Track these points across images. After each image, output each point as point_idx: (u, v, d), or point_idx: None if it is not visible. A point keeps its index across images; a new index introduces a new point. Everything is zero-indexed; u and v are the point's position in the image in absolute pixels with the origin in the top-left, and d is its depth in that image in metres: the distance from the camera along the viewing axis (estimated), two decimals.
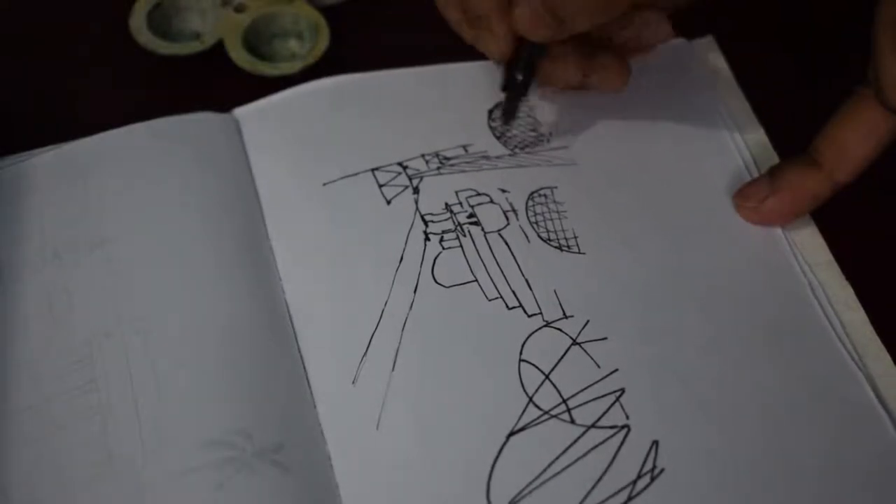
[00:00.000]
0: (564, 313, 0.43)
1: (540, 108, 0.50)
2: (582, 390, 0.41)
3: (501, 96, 0.49)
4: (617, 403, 0.41)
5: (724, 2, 0.55)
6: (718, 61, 0.52)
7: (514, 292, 0.43)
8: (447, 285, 0.43)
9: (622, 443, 0.40)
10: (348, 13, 0.54)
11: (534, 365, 0.41)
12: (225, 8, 0.53)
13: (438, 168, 0.47)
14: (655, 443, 0.40)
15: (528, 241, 0.45)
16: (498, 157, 0.48)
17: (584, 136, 0.49)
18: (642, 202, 0.47)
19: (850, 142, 0.43)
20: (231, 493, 0.38)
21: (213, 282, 0.43)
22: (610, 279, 0.44)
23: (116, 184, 0.46)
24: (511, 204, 0.46)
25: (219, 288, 0.43)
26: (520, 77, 0.44)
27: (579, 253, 0.45)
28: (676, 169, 0.48)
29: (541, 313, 0.43)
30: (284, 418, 0.40)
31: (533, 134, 0.49)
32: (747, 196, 0.46)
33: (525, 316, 0.43)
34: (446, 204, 0.46)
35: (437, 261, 0.44)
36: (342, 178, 0.47)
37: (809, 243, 0.46)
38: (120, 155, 0.47)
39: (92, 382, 0.40)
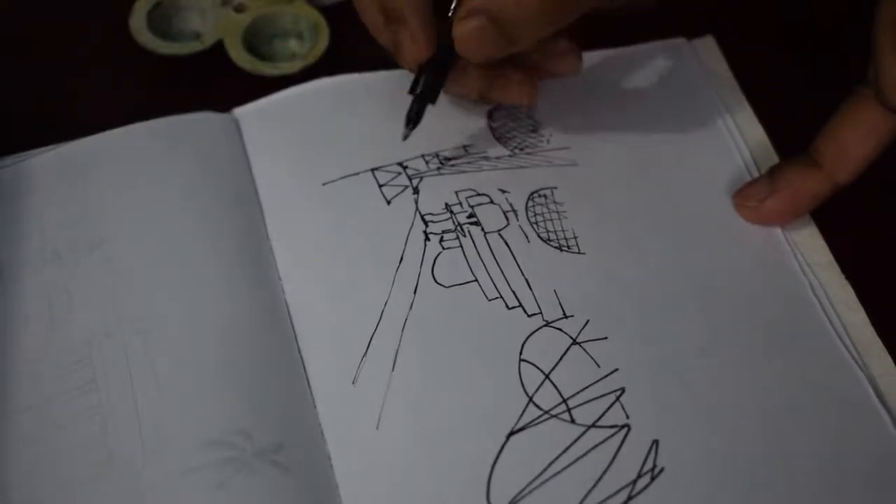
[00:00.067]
0: (564, 313, 0.43)
1: (540, 109, 0.50)
2: (582, 390, 0.41)
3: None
4: (617, 403, 0.41)
5: (724, 2, 0.55)
6: (718, 61, 0.52)
7: (514, 292, 0.43)
8: (447, 285, 0.43)
9: (622, 442, 0.40)
10: (348, 13, 0.54)
11: (534, 365, 0.41)
12: (225, 8, 0.53)
13: (438, 168, 0.47)
14: (655, 442, 0.40)
15: (528, 242, 0.45)
16: (498, 158, 0.48)
17: (584, 136, 0.49)
18: (642, 202, 0.47)
19: (850, 142, 0.43)
20: (231, 493, 0.38)
21: (213, 282, 0.43)
22: (610, 279, 0.44)
23: (116, 184, 0.46)
24: (511, 204, 0.46)
25: (219, 288, 0.43)
26: (429, 83, 0.43)
27: (579, 253, 0.45)
28: (676, 169, 0.48)
29: (541, 313, 0.43)
30: (284, 418, 0.40)
31: (533, 135, 0.49)
32: (747, 196, 0.46)
33: (525, 316, 0.43)
34: (446, 204, 0.46)
35: (437, 261, 0.44)
36: (342, 177, 0.47)
37: (810, 244, 0.46)
38: (120, 155, 0.47)
39: (92, 382, 0.40)
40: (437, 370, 0.41)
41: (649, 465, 0.39)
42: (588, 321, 0.43)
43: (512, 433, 0.40)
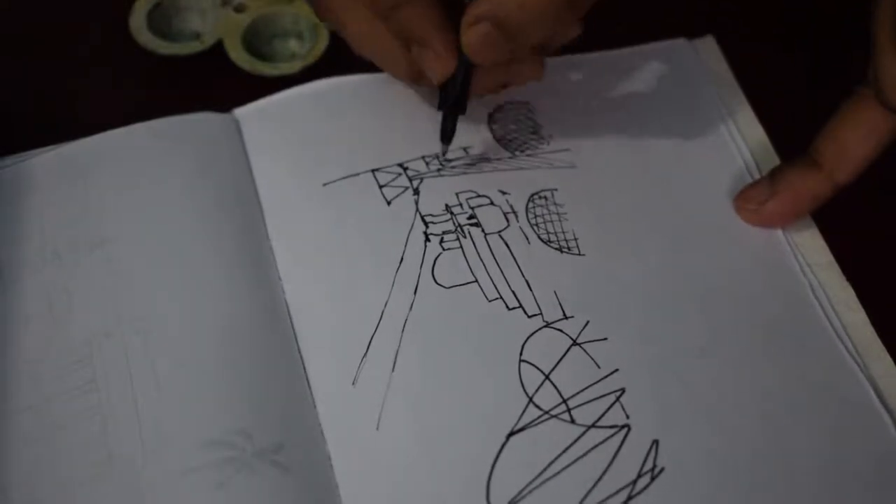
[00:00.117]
0: (564, 314, 0.43)
1: (541, 111, 0.50)
2: (582, 390, 0.41)
3: (502, 98, 0.49)
4: (617, 403, 0.41)
5: (724, 2, 0.55)
6: (719, 61, 0.52)
7: (514, 293, 0.43)
8: (447, 286, 0.43)
9: (622, 442, 0.40)
10: None
11: (534, 365, 0.41)
12: (225, 8, 0.53)
13: (439, 170, 0.47)
14: (656, 442, 0.40)
15: (529, 243, 0.45)
16: (498, 160, 0.48)
17: (584, 138, 0.49)
18: (643, 203, 0.47)
19: (850, 142, 0.43)
20: (231, 493, 0.38)
21: (213, 282, 0.43)
22: (610, 280, 0.44)
23: (117, 184, 0.46)
24: (511, 206, 0.46)
25: (219, 288, 0.43)
26: (456, 94, 0.44)
27: (579, 254, 0.45)
28: (677, 170, 0.48)
29: (541, 314, 0.43)
30: (284, 418, 0.40)
31: (533, 137, 0.49)
32: (748, 198, 0.46)
33: (525, 316, 0.43)
34: (446, 205, 0.46)
35: (438, 261, 0.44)
36: (342, 178, 0.47)
37: (810, 244, 0.46)
38: (120, 155, 0.47)
39: (92, 382, 0.40)
40: (437, 370, 0.41)
41: (649, 465, 0.39)
42: (588, 322, 0.43)
43: (512, 433, 0.40)
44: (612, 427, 0.40)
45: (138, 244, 0.44)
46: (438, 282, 0.43)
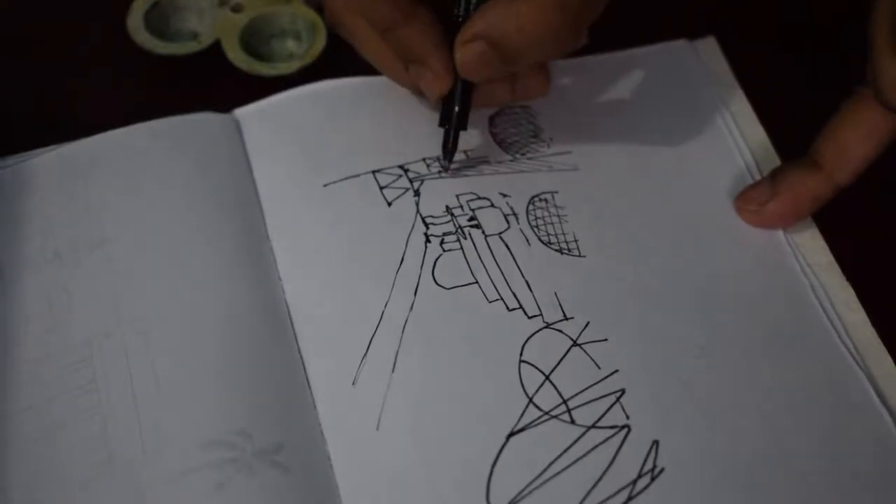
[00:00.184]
0: (565, 315, 0.43)
1: (541, 114, 0.50)
2: (582, 391, 0.41)
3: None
4: (617, 404, 0.41)
5: (724, 2, 0.55)
6: (720, 62, 0.52)
7: (514, 294, 0.43)
8: (448, 287, 0.43)
9: (622, 443, 0.40)
10: None
11: (534, 366, 0.41)
12: (222, 8, 0.53)
13: (440, 172, 0.47)
14: (656, 443, 0.40)
15: (529, 244, 0.45)
16: (499, 163, 0.48)
17: (585, 140, 0.49)
18: (643, 204, 0.47)
19: (851, 142, 0.43)
20: (231, 494, 0.38)
21: (213, 282, 0.43)
22: (611, 281, 0.44)
23: (117, 184, 0.46)
24: (512, 208, 0.46)
25: (219, 288, 0.43)
26: (457, 110, 0.45)
27: (580, 256, 0.45)
28: (678, 171, 0.48)
29: (541, 315, 0.43)
30: (284, 419, 0.40)
31: (534, 140, 0.49)
32: (749, 199, 0.46)
33: (525, 317, 0.43)
34: (447, 207, 0.46)
35: (438, 263, 0.44)
36: (343, 179, 0.47)
37: (810, 245, 0.46)
38: (120, 155, 0.47)
39: (92, 382, 0.40)
40: (437, 371, 0.41)
41: (649, 465, 0.39)
42: (588, 323, 0.43)
43: (512, 434, 0.40)
44: (612, 427, 0.40)
45: (138, 244, 0.44)
46: (439, 283, 0.44)
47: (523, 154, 0.48)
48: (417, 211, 0.46)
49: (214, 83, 0.52)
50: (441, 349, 0.42)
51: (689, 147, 0.49)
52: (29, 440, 0.39)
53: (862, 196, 0.44)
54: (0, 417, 0.40)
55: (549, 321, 0.43)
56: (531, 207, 0.46)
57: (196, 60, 0.52)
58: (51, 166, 0.47)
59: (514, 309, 0.43)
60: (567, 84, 0.51)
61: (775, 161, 0.48)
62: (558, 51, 0.43)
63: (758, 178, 0.48)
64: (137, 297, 0.43)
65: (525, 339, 0.42)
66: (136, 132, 0.47)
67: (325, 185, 0.47)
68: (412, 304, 0.43)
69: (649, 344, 0.42)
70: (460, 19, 0.43)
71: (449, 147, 0.46)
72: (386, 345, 0.42)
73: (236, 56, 0.51)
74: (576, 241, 0.45)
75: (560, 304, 0.43)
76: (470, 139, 0.48)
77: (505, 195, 0.47)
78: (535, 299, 0.43)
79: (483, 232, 0.45)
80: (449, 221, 0.46)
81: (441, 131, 0.46)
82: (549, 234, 0.45)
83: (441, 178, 0.47)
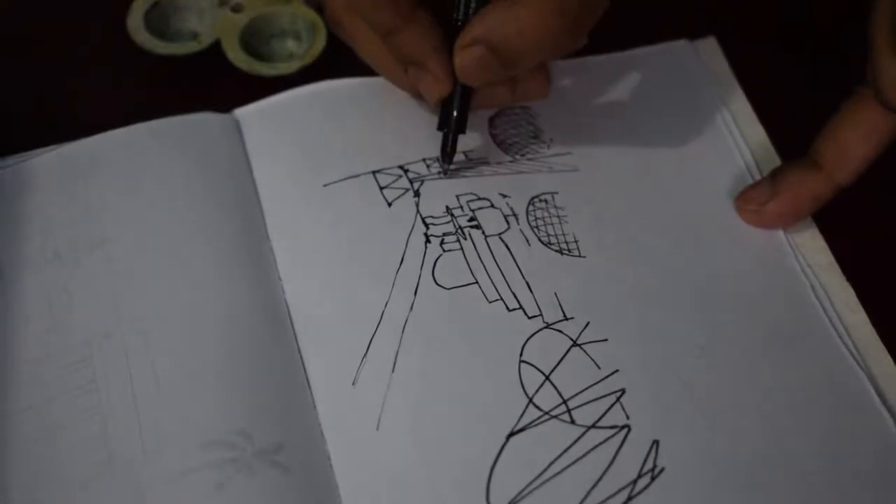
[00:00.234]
0: (565, 315, 0.43)
1: (541, 115, 0.50)
2: (582, 391, 0.41)
3: None
4: (617, 404, 0.41)
5: (724, 2, 0.55)
6: (720, 62, 0.52)
7: (514, 294, 0.43)
8: (448, 287, 0.43)
9: (622, 442, 0.40)
10: None
11: (534, 366, 0.41)
12: (222, 8, 0.53)
13: (440, 172, 0.47)
14: (656, 442, 0.40)
15: (529, 245, 0.45)
16: (499, 164, 0.48)
17: (585, 141, 0.49)
18: (643, 205, 0.47)
19: (851, 142, 0.43)
20: (231, 494, 0.38)
21: (213, 282, 0.43)
22: (611, 281, 0.44)
23: (117, 184, 0.46)
24: (512, 208, 0.46)
25: (219, 288, 0.43)
26: (455, 114, 0.45)
27: (580, 256, 0.45)
28: (678, 171, 0.48)
29: (541, 315, 0.43)
30: (284, 419, 0.40)
31: (534, 141, 0.49)
32: (749, 199, 0.46)
33: (525, 318, 0.43)
34: (447, 207, 0.46)
35: (438, 263, 0.44)
36: (343, 179, 0.47)
37: (810, 245, 0.46)
38: (120, 155, 0.47)
39: (92, 382, 0.40)
40: (437, 371, 0.41)
41: (649, 465, 0.39)
42: (588, 323, 0.43)
43: (512, 434, 0.40)
44: (612, 427, 0.40)
45: (138, 244, 0.44)
46: (439, 283, 0.44)
47: (523, 155, 0.48)
48: (417, 211, 0.46)
49: (214, 83, 0.52)
50: (441, 349, 0.42)
51: (690, 147, 0.49)
52: (29, 440, 0.39)
53: (862, 196, 0.44)
54: (0, 417, 0.39)
55: (549, 321, 0.43)
56: (531, 208, 0.46)
57: (196, 60, 0.52)
58: (51, 166, 0.47)
59: (514, 309, 0.43)
60: (567, 85, 0.51)
61: (775, 161, 0.48)
62: (557, 54, 0.43)
63: (758, 178, 0.48)
64: (137, 297, 0.43)
65: (525, 339, 0.42)
66: (136, 132, 0.47)
67: (325, 186, 0.47)
68: (412, 305, 0.43)
69: (649, 344, 0.42)
70: (460, 23, 0.43)
71: (448, 150, 0.46)
72: (386, 345, 0.42)
73: (236, 56, 0.51)
74: (576, 241, 0.45)
75: (560, 305, 0.43)
76: (470, 140, 0.48)
77: (505, 196, 0.47)
78: (535, 299, 0.43)
79: (483, 232, 0.45)
80: (449, 222, 0.46)
81: (440, 134, 0.46)
82: (549, 235, 0.45)
83: (441, 178, 0.47)
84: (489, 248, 0.45)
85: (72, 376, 0.41)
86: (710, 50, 0.53)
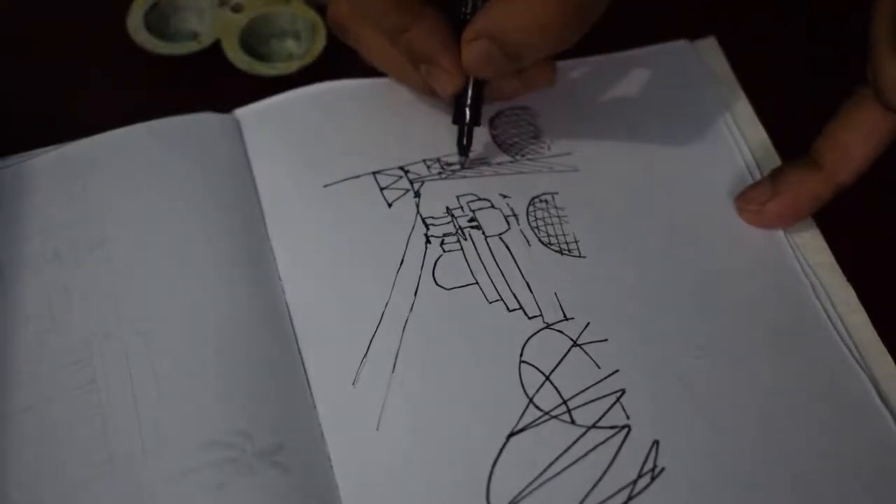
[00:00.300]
0: (565, 315, 0.43)
1: (542, 115, 0.50)
2: (582, 391, 0.41)
3: (503, 103, 0.49)
4: (618, 404, 0.41)
5: (724, 2, 0.55)
6: (720, 62, 0.52)
7: (514, 294, 0.43)
8: (448, 287, 0.43)
9: (623, 443, 0.40)
10: None
11: (534, 366, 0.41)
12: (222, 8, 0.53)
13: (440, 173, 0.47)
14: (656, 443, 0.40)
15: (529, 245, 0.45)
16: (499, 164, 0.48)
17: (585, 141, 0.49)
18: (644, 205, 0.47)
19: (851, 142, 0.43)
20: (231, 494, 0.38)
21: (213, 282, 0.43)
22: (611, 282, 0.44)
23: (117, 184, 0.46)
24: (512, 209, 0.46)
25: (219, 288, 0.43)
26: (469, 106, 0.45)
27: (580, 256, 0.45)
28: (678, 171, 0.48)
29: (541, 315, 0.43)
30: (284, 419, 0.40)
31: (534, 141, 0.49)
32: (749, 199, 0.46)
33: (525, 318, 0.43)
34: (447, 208, 0.46)
35: (438, 263, 0.44)
36: (343, 180, 0.47)
37: (811, 245, 0.46)
38: (120, 155, 0.47)
39: (92, 382, 0.40)
40: (437, 371, 0.41)
41: (650, 465, 0.39)
42: (588, 323, 0.43)
43: (512, 434, 0.40)
44: (612, 427, 0.40)
45: (138, 244, 0.44)
46: (439, 283, 0.44)
47: (524, 155, 0.48)
48: (418, 212, 0.46)
49: (214, 83, 0.52)
50: (441, 349, 0.42)
51: (690, 147, 0.49)
52: (29, 440, 0.39)
53: (862, 196, 0.44)
54: (0, 417, 0.39)
55: (550, 322, 0.43)
56: (531, 208, 0.46)
57: (196, 60, 0.52)
58: (51, 166, 0.47)
59: (514, 309, 0.43)
60: (568, 85, 0.51)
61: (775, 161, 0.48)
62: (562, 46, 0.43)
63: (758, 178, 0.48)
64: (137, 297, 0.43)
65: (525, 339, 0.42)
66: (136, 132, 0.47)
67: (326, 186, 0.47)
68: (412, 305, 0.43)
69: (649, 344, 0.42)
70: (468, 17, 0.43)
71: (464, 143, 0.46)
72: (386, 345, 0.42)
73: (236, 56, 0.52)
74: (576, 241, 0.45)
75: (560, 305, 0.43)
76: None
77: (505, 196, 0.47)
78: (535, 300, 0.43)
79: (483, 233, 0.45)
80: (449, 222, 0.46)
81: (454, 129, 0.46)
82: (549, 235, 0.45)
83: (441, 179, 0.47)
84: (489, 248, 0.45)
85: (71, 376, 0.40)
86: (710, 50, 0.53)
